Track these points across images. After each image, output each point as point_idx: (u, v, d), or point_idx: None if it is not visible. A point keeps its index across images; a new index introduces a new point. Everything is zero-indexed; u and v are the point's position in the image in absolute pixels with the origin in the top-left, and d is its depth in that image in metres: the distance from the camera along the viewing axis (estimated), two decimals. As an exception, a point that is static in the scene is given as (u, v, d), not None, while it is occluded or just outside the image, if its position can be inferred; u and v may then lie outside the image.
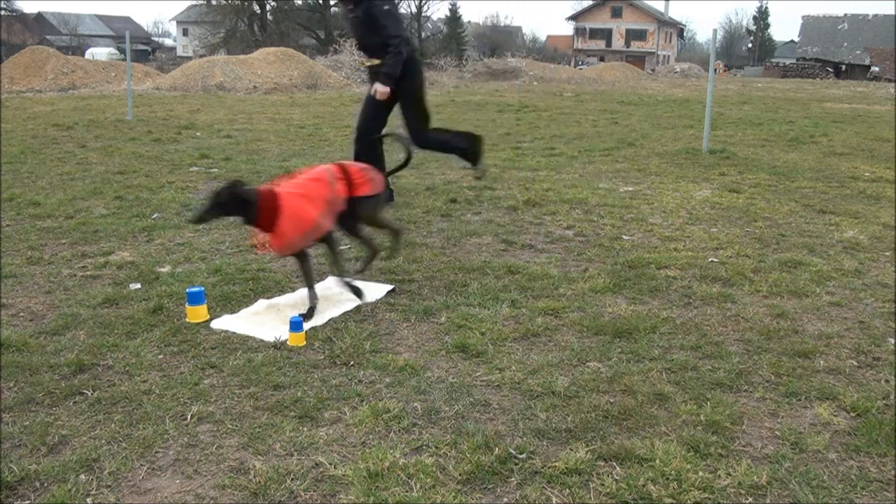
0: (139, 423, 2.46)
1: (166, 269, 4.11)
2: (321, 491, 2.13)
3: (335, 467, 2.22)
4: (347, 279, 3.56)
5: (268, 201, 3.22)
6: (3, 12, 56.71)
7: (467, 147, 5.55)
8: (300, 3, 50.94)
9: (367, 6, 5.13)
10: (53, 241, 4.66)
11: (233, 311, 3.47)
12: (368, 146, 5.28)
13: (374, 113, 5.39)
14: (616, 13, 68.84)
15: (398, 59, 5.10)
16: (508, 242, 4.75)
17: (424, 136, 5.38)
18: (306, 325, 3.23)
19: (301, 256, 3.45)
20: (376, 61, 5.20)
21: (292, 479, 2.17)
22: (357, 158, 5.17)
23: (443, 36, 64.28)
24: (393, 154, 5.57)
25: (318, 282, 3.93)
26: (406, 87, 5.27)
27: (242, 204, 3.19)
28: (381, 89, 5.16)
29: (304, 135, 10.40)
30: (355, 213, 3.56)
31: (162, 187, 6.37)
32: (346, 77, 24.56)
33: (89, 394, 2.65)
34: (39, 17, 67.01)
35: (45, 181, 6.55)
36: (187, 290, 3.36)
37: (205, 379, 2.79)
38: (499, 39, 69.45)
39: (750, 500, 2.11)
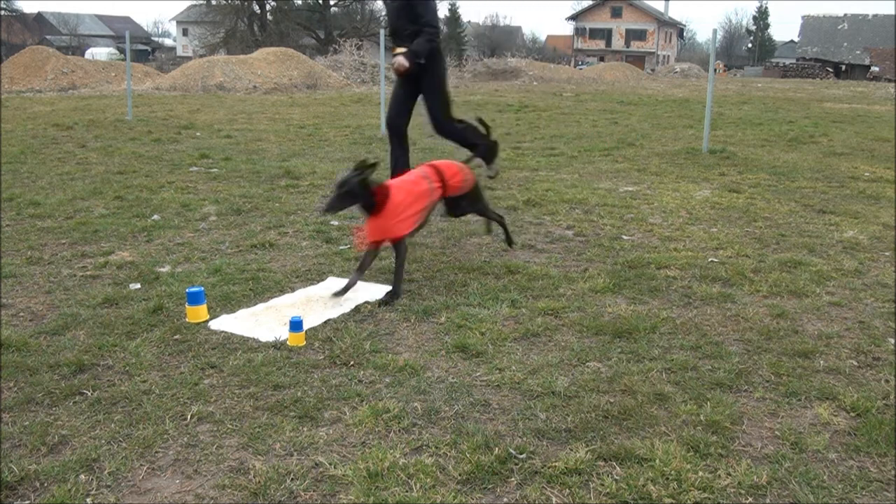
0: (139, 423, 2.46)
1: (166, 269, 4.11)
2: (321, 491, 2.13)
3: (335, 467, 2.22)
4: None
5: (382, 192, 3.62)
6: (3, 12, 56.73)
7: (482, 145, 5.42)
8: (300, 3, 50.94)
9: None
10: (53, 241, 4.66)
11: (232, 312, 3.48)
12: (398, 136, 5.55)
13: (399, 103, 5.54)
14: (616, 13, 68.85)
15: (428, 45, 5.22)
16: (508, 242, 4.75)
17: (445, 124, 5.50)
18: (309, 322, 3.23)
19: (376, 251, 3.82)
20: (404, 49, 5.23)
21: (292, 479, 2.17)
22: (392, 148, 5.57)
23: (442, 36, 64.26)
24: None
25: (317, 282, 3.93)
26: (430, 76, 5.38)
27: (365, 192, 3.55)
28: (400, 61, 5.18)
29: (303, 135, 10.40)
30: (459, 206, 4.18)
31: (162, 187, 6.37)
32: (346, 77, 24.56)
33: (89, 394, 2.65)
34: (39, 17, 67.00)
35: (45, 181, 6.54)
36: (187, 290, 3.36)
37: (205, 379, 2.79)
38: (498, 39, 69.49)
39: (750, 500, 2.11)
